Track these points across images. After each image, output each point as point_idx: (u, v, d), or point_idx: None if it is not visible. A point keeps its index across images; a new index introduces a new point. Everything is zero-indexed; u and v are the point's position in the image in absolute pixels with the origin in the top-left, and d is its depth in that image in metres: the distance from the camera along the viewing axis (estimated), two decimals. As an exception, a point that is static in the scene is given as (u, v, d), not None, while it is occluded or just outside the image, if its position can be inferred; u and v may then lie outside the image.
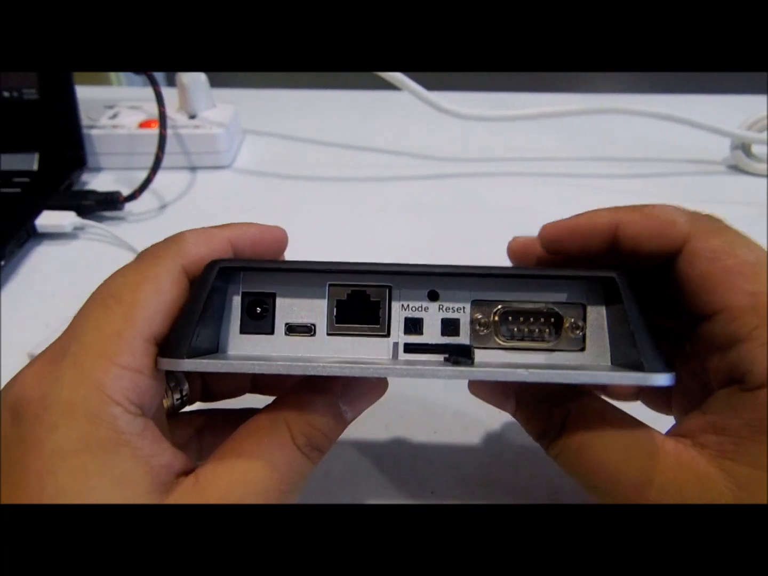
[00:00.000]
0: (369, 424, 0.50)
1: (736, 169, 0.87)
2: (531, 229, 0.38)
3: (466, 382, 0.36)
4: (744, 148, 0.85)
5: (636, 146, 0.93)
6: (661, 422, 0.35)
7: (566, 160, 0.91)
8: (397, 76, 0.80)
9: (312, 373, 0.30)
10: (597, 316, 0.34)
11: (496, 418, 0.50)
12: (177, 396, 0.40)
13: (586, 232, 0.35)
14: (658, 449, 0.31)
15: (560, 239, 0.36)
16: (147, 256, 0.34)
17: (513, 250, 0.40)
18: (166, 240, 0.35)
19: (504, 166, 0.89)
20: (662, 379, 0.30)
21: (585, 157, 0.91)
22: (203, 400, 0.44)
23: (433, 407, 0.52)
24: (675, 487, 0.30)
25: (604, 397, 0.34)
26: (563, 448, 0.33)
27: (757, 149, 0.86)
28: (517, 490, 0.46)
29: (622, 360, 0.33)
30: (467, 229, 0.76)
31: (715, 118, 0.84)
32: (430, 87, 0.83)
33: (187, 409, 0.42)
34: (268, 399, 0.35)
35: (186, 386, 0.41)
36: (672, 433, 0.32)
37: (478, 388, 0.37)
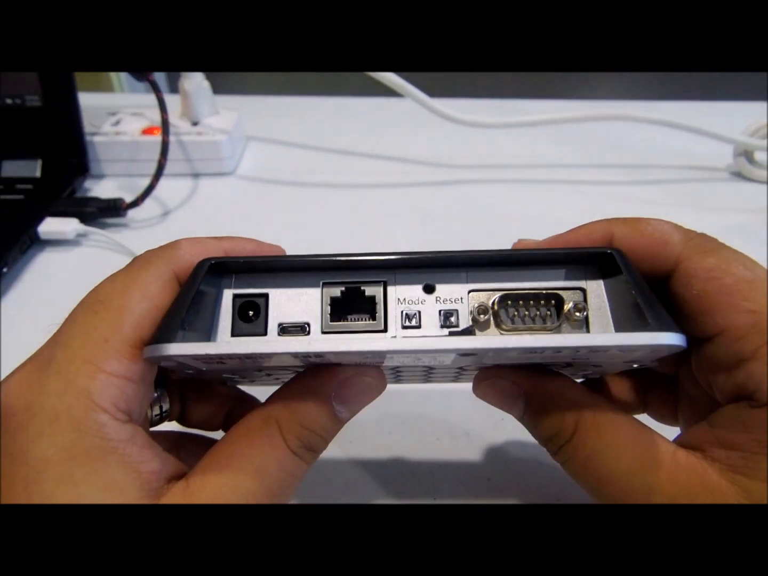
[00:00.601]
0: (371, 432, 0.50)
1: (739, 176, 0.87)
2: (534, 236, 0.38)
3: (470, 388, 0.36)
4: (747, 155, 0.85)
5: (639, 153, 0.93)
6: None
7: (570, 167, 0.91)
8: (400, 83, 0.80)
9: (302, 350, 0.30)
10: (599, 299, 0.33)
11: (498, 424, 0.50)
12: (156, 411, 0.40)
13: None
14: (670, 460, 0.30)
15: None
16: (138, 262, 0.33)
17: None
18: (160, 247, 0.35)
19: (507, 173, 0.89)
20: (674, 338, 0.29)
21: (589, 163, 0.91)
22: (180, 422, 0.43)
23: (435, 414, 0.52)
24: (686, 499, 0.29)
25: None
26: (572, 455, 0.32)
27: (760, 156, 0.86)
28: (519, 497, 0.46)
29: None
30: (471, 235, 0.76)
31: (719, 124, 0.84)
32: (433, 94, 0.83)
33: (166, 425, 0.42)
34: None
35: (167, 401, 0.40)
36: (680, 443, 0.32)
37: (485, 389, 0.36)
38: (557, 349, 0.30)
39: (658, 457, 0.30)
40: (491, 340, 0.30)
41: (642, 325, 0.29)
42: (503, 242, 0.41)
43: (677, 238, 0.33)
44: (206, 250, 0.34)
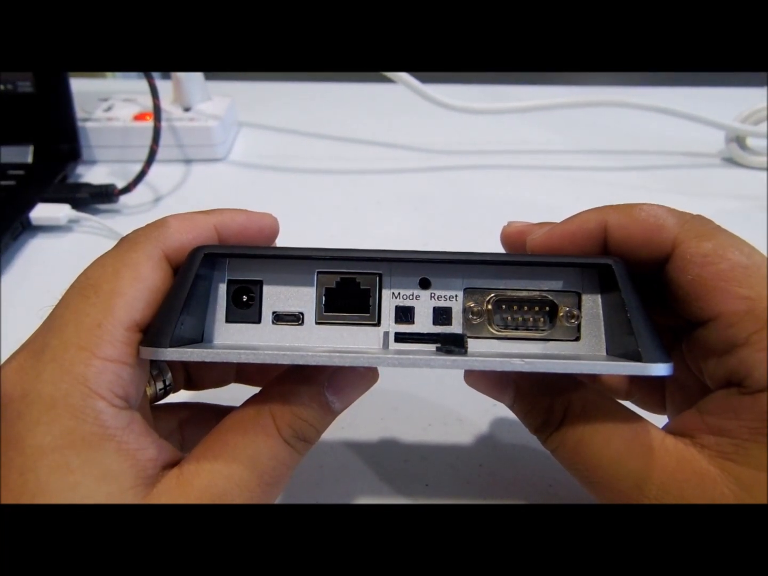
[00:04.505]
0: (363, 417, 0.50)
1: (731, 161, 0.87)
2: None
3: (461, 374, 0.36)
4: (739, 140, 0.85)
5: (631, 139, 0.93)
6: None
7: (561, 153, 0.91)
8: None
9: (300, 362, 0.30)
10: (592, 304, 0.33)
11: (490, 410, 0.50)
12: (160, 385, 0.40)
13: (578, 239, 0.34)
14: (659, 446, 0.30)
15: (552, 249, 0.35)
16: (126, 243, 0.33)
17: (507, 236, 0.38)
18: (147, 225, 0.34)
19: (499, 159, 0.89)
20: (661, 369, 0.29)
21: (579, 149, 0.91)
22: (187, 388, 0.43)
23: (428, 400, 0.52)
24: (675, 485, 0.29)
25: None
26: (562, 442, 0.32)
27: (752, 142, 0.86)
28: (511, 483, 0.46)
29: (618, 349, 0.32)
30: (461, 221, 0.76)
31: (710, 110, 0.84)
32: (424, 80, 0.83)
33: (172, 398, 0.42)
34: (254, 389, 0.35)
35: (169, 375, 0.40)
36: (669, 430, 0.32)
37: (475, 379, 0.36)
38: (548, 374, 0.30)
39: (647, 444, 0.30)
40: (484, 362, 0.30)
41: (632, 347, 0.30)
42: (492, 228, 0.41)
43: (672, 222, 0.32)
44: (195, 227, 0.34)
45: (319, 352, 0.30)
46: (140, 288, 0.31)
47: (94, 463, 0.29)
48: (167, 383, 0.40)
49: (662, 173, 0.85)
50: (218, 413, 0.42)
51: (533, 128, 0.96)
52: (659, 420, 0.36)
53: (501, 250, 0.39)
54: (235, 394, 0.39)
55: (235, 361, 0.30)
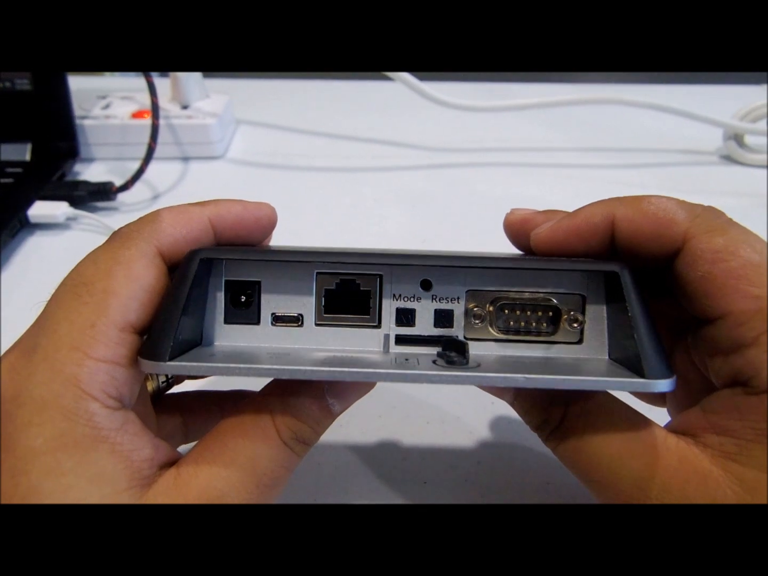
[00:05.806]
0: (361, 415, 0.50)
1: (728, 159, 0.87)
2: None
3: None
4: (737, 138, 0.85)
5: (629, 137, 0.93)
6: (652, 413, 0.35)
7: (559, 151, 0.91)
8: (390, 67, 0.80)
9: (298, 377, 0.29)
10: (596, 307, 0.33)
11: (489, 408, 0.50)
12: (162, 379, 0.39)
13: (583, 234, 0.33)
14: (661, 445, 0.30)
15: (558, 244, 0.34)
16: (119, 239, 0.32)
17: (510, 224, 0.37)
18: (140, 219, 0.33)
19: (497, 157, 0.89)
20: (663, 386, 0.29)
21: (577, 147, 0.91)
22: (191, 378, 0.43)
23: (426, 398, 0.52)
24: (677, 485, 0.29)
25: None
26: (563, 441, 0.32)
27: (750, 139, 0.86)
28: (509, 481, 0.46)
29: (620, 353, 0.32)
30: (461, 219, 0.76)
31: (708, 108, 0.84)
32: (422, 77, 0.83)
33: (175, 389, 0.42)
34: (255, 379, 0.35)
35: None
36: (671, 429, 0.31)
37: None
38: (548, 387, 0.30)
39: (649, 443, 0.30)
40: (485, 379, 0.30)
41: (635, 352, 0.30)
42: (491, 226, 0.41)
43: (682, 216, 0.31)
44: (189, 221, 0.33)
45: (319, 367, 0.29)
46: (134, 288, 0.31)
47: (88, 465, 0.28)
48: (169, 376, 0.40)
49: (660, 171, 0.86)
50: (221, 400, 0.42)
51: (532, 126, 0.96)
52: (660, 416, 0.36)
53: (502, 248, 0.39)
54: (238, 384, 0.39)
55: (234, 375, 0.30)
